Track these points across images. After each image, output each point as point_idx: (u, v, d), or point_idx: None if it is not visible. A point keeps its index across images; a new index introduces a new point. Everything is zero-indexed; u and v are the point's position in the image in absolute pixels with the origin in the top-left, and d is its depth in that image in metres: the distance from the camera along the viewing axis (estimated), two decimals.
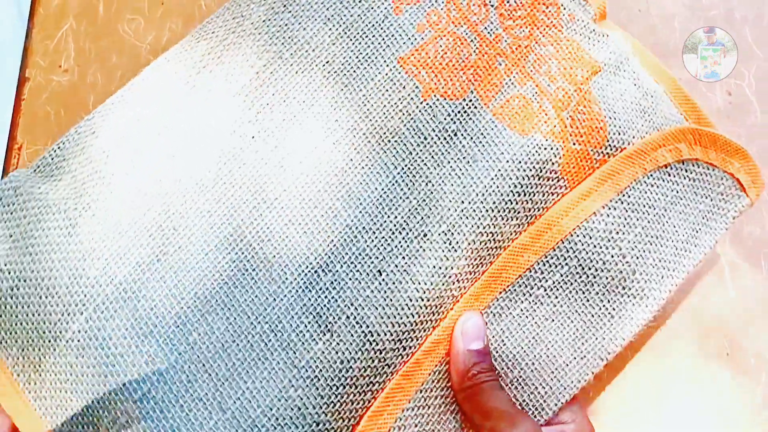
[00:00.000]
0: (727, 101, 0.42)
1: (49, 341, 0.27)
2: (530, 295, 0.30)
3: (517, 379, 0.30)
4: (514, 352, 0.30)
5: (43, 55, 0.49)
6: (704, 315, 0.38)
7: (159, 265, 0.28)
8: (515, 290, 0.30)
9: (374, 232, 0.29)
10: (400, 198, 0.29)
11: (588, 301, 0.30)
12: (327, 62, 0.31)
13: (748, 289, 0.38)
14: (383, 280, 0.28)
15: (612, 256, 0.30)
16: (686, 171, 0.33)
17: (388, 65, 0.31)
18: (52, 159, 0.32)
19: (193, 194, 0.30)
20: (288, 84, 0.31)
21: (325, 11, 0.31)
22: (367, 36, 0.31)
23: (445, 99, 0.30)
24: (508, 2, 0.32)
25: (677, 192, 0.32)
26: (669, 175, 0.32)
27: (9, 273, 0.28)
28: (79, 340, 0.27)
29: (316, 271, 0.28)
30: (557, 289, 0.30)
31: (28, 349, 0.28)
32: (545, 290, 0.30)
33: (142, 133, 0.31)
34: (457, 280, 0.29)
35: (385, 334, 0.28)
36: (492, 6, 0.32)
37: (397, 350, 0.28)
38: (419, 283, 0.29)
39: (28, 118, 0.47)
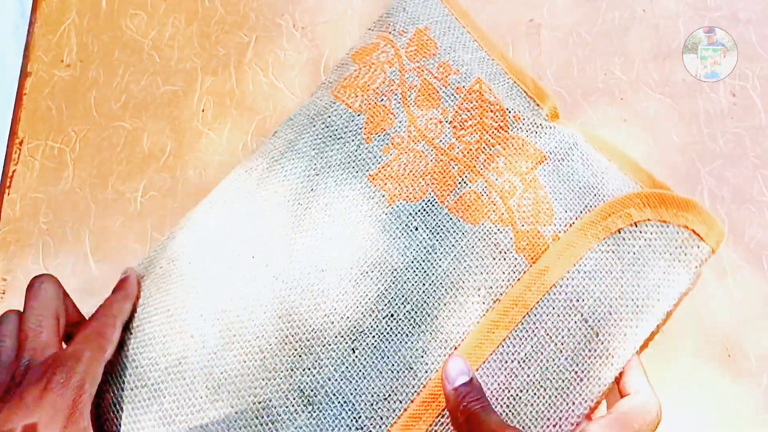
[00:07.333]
0: (732, 102, 0.42)
1: (134, 381, 0.35)
2: (506, 368, 0.33)
3: None
4: None
5: (45, 50, 0.49)
6: (706, 317, 0.38)
7: (188, 361, 0.35)
8: (491, 365, 0.33)
9: (347, 318, 0.34)
10: (369, 286, 0.34)
11: (558, 367, 0.32)
12: (311, 190, 0.37)
13: (749, 291, 0.38)
14: (356, 356, 0.33)
15: (575, 323, 0.33)
16: (640, 232, 0.34)
17: (360, 183, 0.36)
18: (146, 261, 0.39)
19: (204, 293, 0.36)
20: (282, 202, 0.37)
21: (311, 151, 0.38)
22: (343, 164, 0.37)
23: (406, 202, 0.36)
24: (460, 115, 0.38)
25: (633, 254, 0.34)
26: (623, 239, 0.34)
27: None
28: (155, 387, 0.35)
29: (300, 356, 0.33)
30: (530, 360, 0.33)
31: (119, 385, 0.35)
32: (518, 363, 0.33)
33: (205, 232, 0.37)
34: (425, 353, 0.33)
35: (359, 403, 0.32)
36: (447, 122, 0.38)
37: (372, 418, 0.32)
38: (389, 357, 0.33)
39: (30, 113, 0.47)
